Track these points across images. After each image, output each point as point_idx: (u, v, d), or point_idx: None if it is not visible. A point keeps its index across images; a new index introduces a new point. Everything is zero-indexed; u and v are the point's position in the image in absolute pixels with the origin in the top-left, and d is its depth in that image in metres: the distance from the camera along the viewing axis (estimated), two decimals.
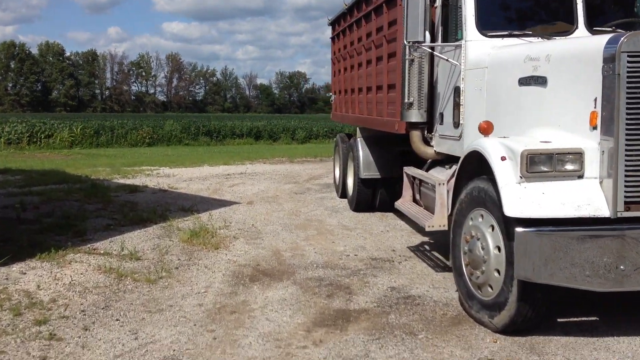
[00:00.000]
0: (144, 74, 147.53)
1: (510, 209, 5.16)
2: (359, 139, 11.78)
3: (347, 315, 6.28)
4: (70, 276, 7.53)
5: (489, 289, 5.72)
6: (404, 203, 8.69)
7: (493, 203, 5.58)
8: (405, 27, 7.30)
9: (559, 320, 6.02)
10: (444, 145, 7.93)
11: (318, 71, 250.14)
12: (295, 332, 5.84)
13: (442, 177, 7.53)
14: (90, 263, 8.14)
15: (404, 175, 8.77)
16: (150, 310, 6.41)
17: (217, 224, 10.77)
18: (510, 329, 5.61)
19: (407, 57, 7.96)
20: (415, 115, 8.10)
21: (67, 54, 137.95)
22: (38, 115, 57.52)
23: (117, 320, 6.14)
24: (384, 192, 11.80)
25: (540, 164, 5.26)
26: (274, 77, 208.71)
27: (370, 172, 11.51)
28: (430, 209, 7.99)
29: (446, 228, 7.21)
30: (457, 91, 7.33)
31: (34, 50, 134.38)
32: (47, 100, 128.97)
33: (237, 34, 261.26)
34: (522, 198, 5.17)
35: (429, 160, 8.55)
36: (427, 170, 8.44)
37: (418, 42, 7.33)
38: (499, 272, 5.55)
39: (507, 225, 5.35)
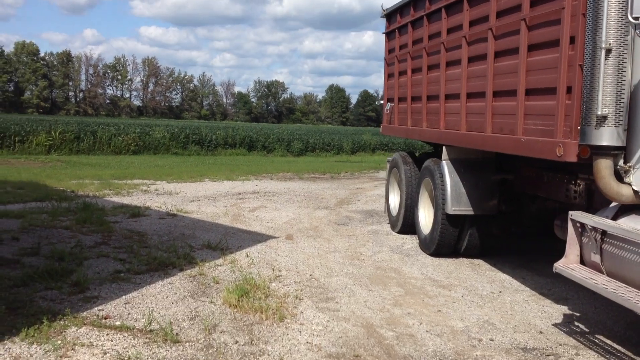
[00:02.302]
0: (119, 77, 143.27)
1: None
2: (444, 162, 8.94)
3: None
4: None
5: None
6: (572, 266, 5.86)
7: None
8: None
9: None
10: None
11: (295, 81, 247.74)
12: None
13: None
14: (105, 347, 5.24)
15: (570, 223, 5.95)
16: None
17: (264, 273, 7.89)
18: None
19: (603, 45, 5.23)
20: (610, 136, 5.35)
21: (42, 54, 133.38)
22: (10, 117, 53.85)
23: None
24: (475, 233, 9.02)
25: None
26: (251, 85, 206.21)
27: (461, 206, 8.70)
28: (622, 278, 5.25)
29: None
30: None
31: (9, 50, 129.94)
32: (19, 101, 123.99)
33: (215, 41, 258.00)
34: None
35: (614, 204, 5.78)
36: (613, 219, 5.66)
37: None
38: None
39: None
